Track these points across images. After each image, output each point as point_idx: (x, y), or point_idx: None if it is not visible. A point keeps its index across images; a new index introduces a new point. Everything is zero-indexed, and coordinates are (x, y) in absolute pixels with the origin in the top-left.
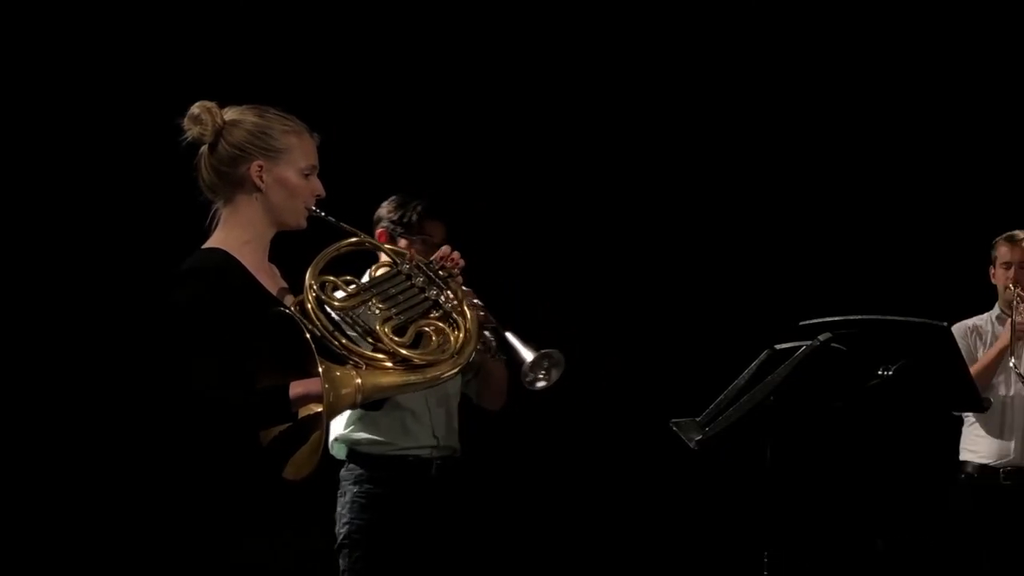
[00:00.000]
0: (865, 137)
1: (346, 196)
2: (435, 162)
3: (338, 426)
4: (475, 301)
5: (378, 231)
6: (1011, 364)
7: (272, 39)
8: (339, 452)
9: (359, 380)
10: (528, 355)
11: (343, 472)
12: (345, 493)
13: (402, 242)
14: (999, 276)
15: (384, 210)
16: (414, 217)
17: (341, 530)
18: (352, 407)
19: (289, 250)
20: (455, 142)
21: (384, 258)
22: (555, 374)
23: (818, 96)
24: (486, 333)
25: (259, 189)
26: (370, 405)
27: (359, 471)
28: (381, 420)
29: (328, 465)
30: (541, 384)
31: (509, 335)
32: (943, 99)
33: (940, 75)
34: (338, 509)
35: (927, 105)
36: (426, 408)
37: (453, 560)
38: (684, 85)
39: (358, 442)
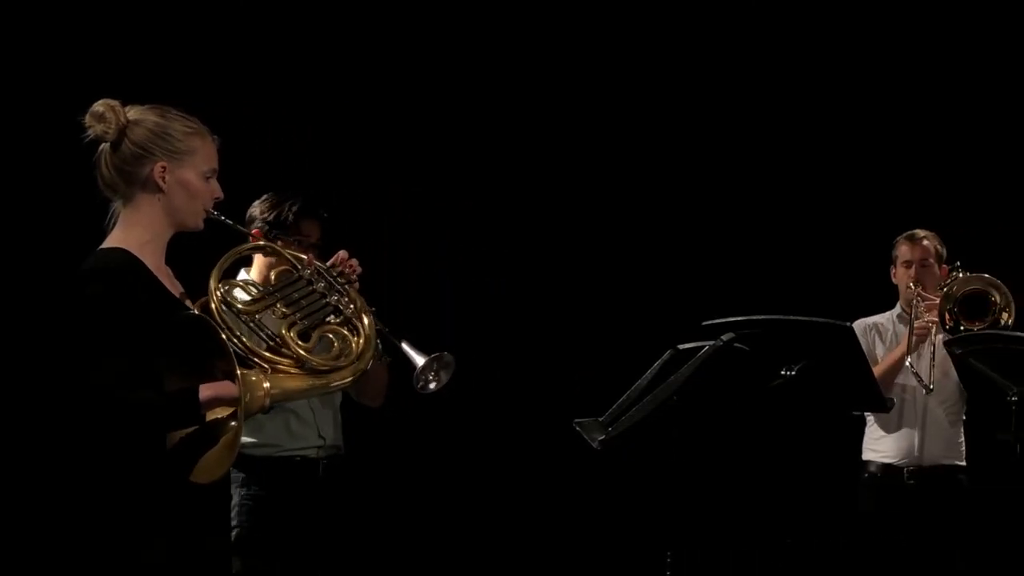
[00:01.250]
0: (766, 137)
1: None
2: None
3: None
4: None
5: (252, 231)
6: (907, 363)
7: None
8: None
9: (268, 384)
10: (419, 359)
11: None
12: (232, 497)
13: (277, 242)
14: (900, 275)
15: (257, 209)
16: (290, 217)
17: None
18: (261, 411)
19: (180, 252)
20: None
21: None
22: (445, 377)
23: (720, 93)
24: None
25: (161, 190)
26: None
27: (245, 474)
28: (266, 423)
29: None
30: (432, 387)
31: (402, 342)
32: (839, 99)
33: (842, 76)
34: None
35: (823, 104)
36: (310, 409)
37: (343, 559)
38: (576, 87)
39: (243, 446)
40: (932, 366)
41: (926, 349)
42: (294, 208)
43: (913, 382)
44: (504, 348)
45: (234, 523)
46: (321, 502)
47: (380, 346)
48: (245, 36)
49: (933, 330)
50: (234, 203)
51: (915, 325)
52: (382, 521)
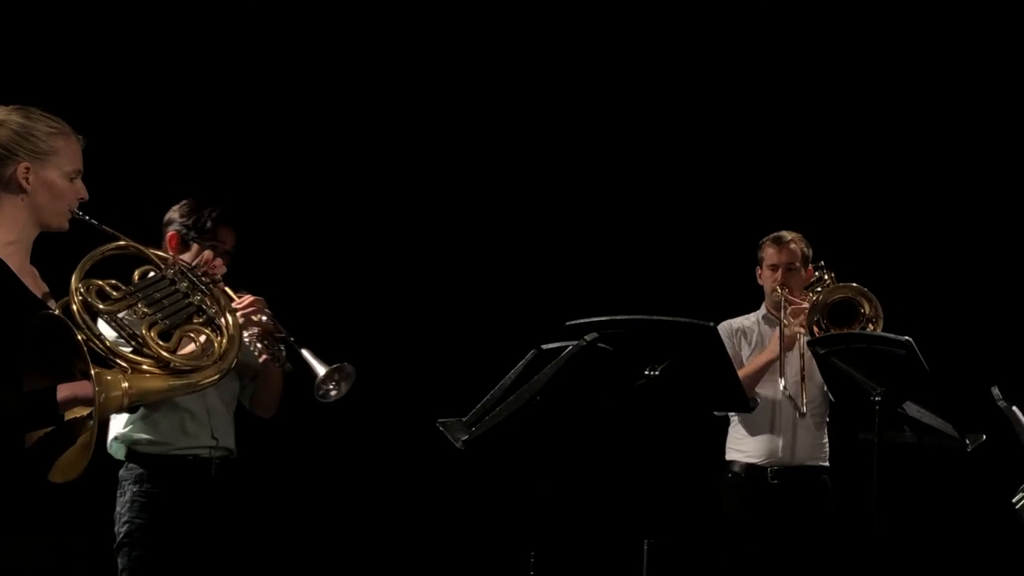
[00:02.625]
0: (629, 135)
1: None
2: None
3: (117, 426)
4: (266, 311)
5: (169, 233)
6: (782, 387)
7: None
8: (118, 452)
9: (126, 384)
10: (320, 369)
11: (122, 472)
12: (125, 492)
13: (194, 246)
14: (766, 277)
15: (176, 213)
16: (208, 223)
17: (120, 529)
18: (119, 411)
19: (47, 253)
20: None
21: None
22: (345, 387)
23: (582, 91)
24: (277, 345)
25: (24, 190)
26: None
27: (139, 471)
28: (160, 420)
29: (106, 464)
30: (333, 395)
31: (303, 350)
32: (703, 99)
33: (704, 78)
34: (117, 508)
35: (688, 102)
36: (204, 409)
37: (232, 559)
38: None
39: (137, 442)
40: (803, 389)
41: (795, 358)
42: (213, 215)
43: (778, 384)
44: (372, 350)
45: (125, 519)
46: (212, 502)
47: (284, 353)
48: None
49: (801, 340)
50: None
51: (786, 336)
52: (272, 522)
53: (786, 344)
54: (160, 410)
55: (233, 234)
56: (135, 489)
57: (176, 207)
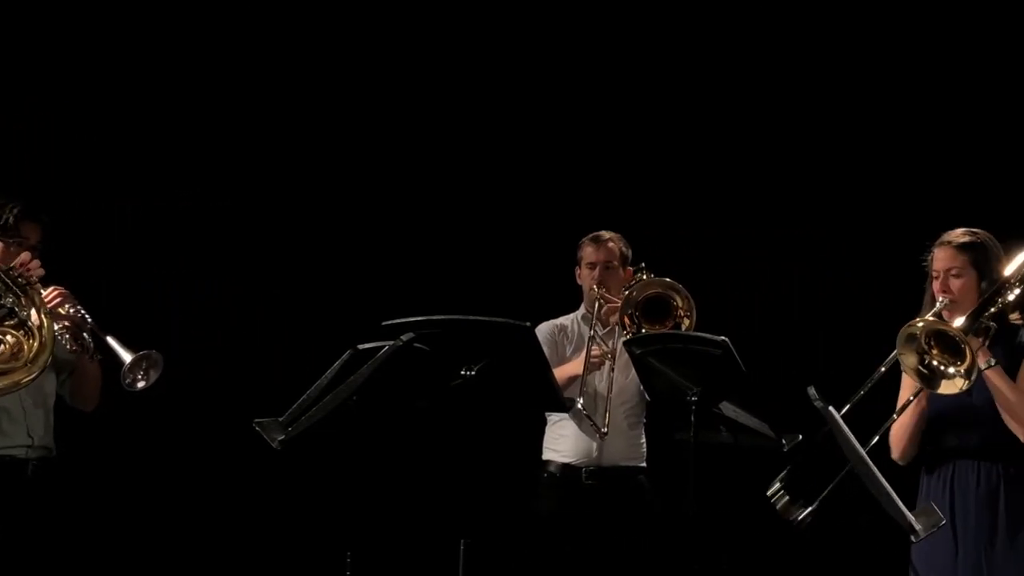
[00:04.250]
0: (448, 134)
1: None
2: None
3: None
4: (76, 303)
5: None
6: (579, 405)
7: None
8: None
9: None
10: (127, 356)
11: None
12: None
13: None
14: (584, 277)
15: None
16: (11, 219)
17: None
18: None
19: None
20: None
21: None
22: (153, 375)
23: (420, 90)
24: (84, 335)
25: None
26: None
27: None
28: None
29: None
30: (141, 384)
31: (109, 338)
32: (523, 101)
33: (529, 80)
34: None
35: (509, 104)
36: (21, 408)
37: (52, 561)
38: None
39: None
40: (607, 410)
41: (603, 375)
42: (15, 211)
43: (593, 384)
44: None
45: None
46: (28, 503)
47: (91, 344)
48: None
49: (618, 349)
50: None
51: (592, 356)
52: (91, 524)
53: (594, 364)
54: None
55: (38, 229)
56: None
57: None
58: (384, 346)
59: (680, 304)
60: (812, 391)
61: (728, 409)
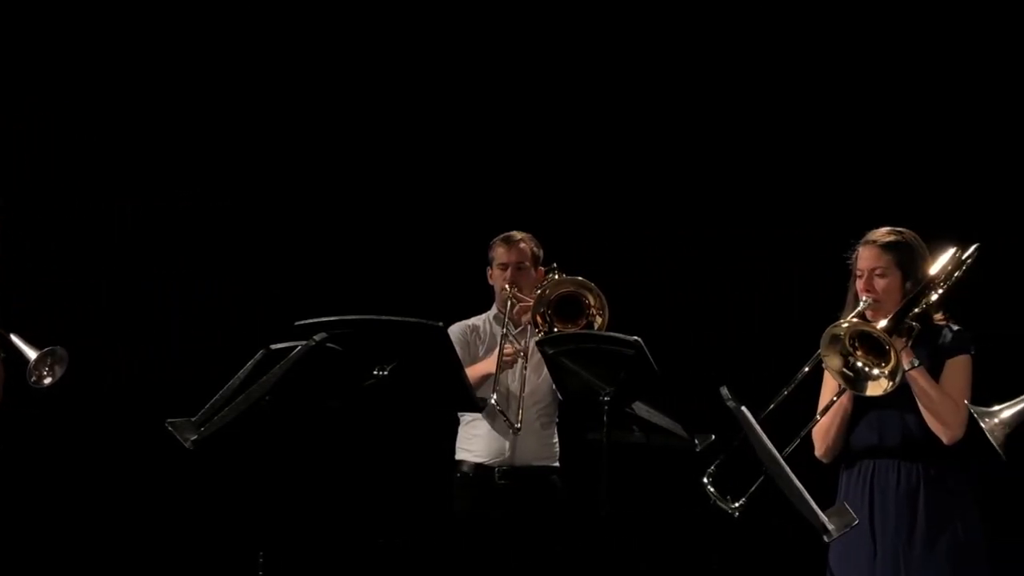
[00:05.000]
0: (360, 135)
1: None
2: None
3: None
4: None
5: None
6: (493, 401)
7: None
8: None
9: None
10: (31, 353)
11: None
12: None
13: None
14: (496, 277)
15: None
16: None
17: None
18: None
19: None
20: None
21: None
22: (59, 371)
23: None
24: None
25: None
26: None
27: None
28: None
29: None
30: (47, 381)
31: (12, 336)
32: (423, 101)
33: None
34: None
35: (413, 105)
36: None
37: None
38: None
39: None
40: (520, 408)
41: (516, 373)
42: None
43: (506, 382)
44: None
45: None
46: None
47: None
48: None
49: (531, 348)
50: None
51: (505, 354)
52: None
53: (506, 362)
54: None
55: None
56: None
57: None
58: (297, 346)
59: (592, 303)
60: (725, 391)
61: (641, 409)
